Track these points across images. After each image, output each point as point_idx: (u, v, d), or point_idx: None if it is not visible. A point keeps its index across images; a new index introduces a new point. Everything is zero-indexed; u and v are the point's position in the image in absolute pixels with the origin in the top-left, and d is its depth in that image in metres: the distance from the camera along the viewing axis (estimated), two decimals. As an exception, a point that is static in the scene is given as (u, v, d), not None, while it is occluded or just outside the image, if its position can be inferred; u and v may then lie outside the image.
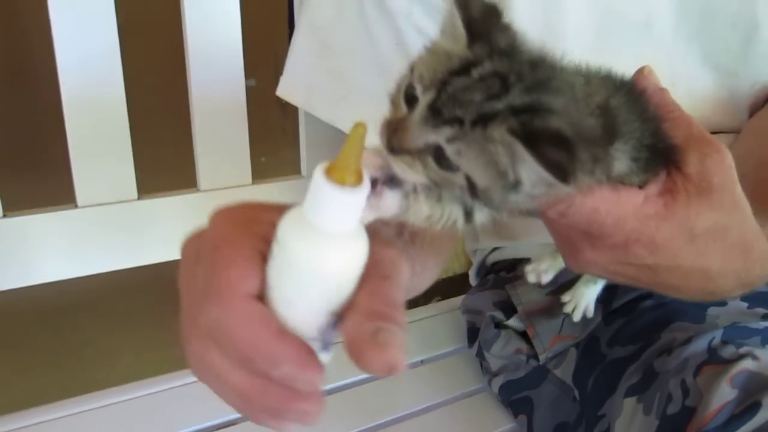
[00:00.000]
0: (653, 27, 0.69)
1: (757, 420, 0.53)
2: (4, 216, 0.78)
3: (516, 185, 0.35)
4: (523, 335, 0.77)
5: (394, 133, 0.36)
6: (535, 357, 0.75)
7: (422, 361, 0.90)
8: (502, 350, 0.78)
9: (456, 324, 0.93)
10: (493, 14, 0.36)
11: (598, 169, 0.37)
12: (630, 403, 0.63)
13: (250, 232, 0.34)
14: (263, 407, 0.34)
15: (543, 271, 0.61)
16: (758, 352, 0.58)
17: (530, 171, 0.34)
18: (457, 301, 0.95)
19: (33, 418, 0.75)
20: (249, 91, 0.87)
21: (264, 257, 0.33)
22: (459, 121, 0.34)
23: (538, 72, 0.35)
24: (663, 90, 0.46)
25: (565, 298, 0.68)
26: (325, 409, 0.34)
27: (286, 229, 0.33)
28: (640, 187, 0.43)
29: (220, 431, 0.76)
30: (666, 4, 0.68)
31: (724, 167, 0.43)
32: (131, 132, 0.81)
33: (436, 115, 0.34)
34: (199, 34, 0.82)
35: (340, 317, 0.34)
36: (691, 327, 0.64)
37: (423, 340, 0.92)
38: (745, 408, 0.54)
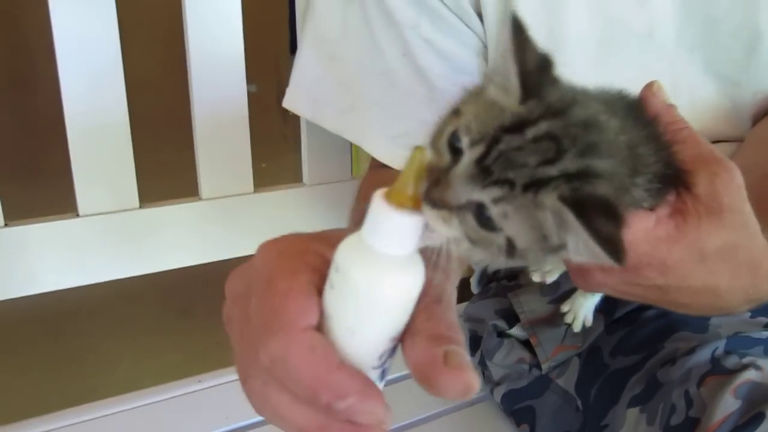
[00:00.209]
0: (656, 36, 0.69)
1: (761, 431, 0.53)
2: (6, 225, 0.78)
3: (558, 249, 0.34)
4: (526, 344, 0.76)
5: (435, 184, 0.33)
6: (538, 366, 0.75)
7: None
8: (505, 359, 0.77)
9: (458, 332, 0.92)
10: (547, 66, 0.35)
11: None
12: (633, 413, 0.63)
13: (302, 263, 0.34)
14: None
15: (547, 271, 0.61)
16: (761, 362, 0.58)
17: (578, 239, 0.33)
18: (459, 309, 0.94)
19: (33, 427, 0.75)
20: (249, 97, 0.87)
21: (317, 288, 0.33)
22: (509, 183, 0.32)
23: (590, 134, 0.34)
24: (671, 107, 0.45)
25: (565, 308, 0.68)
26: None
27: (346, 256, 0.32)
28: (650, 208, 0.42)
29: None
30: (669, 13, 0.68)
31: (733, 187, 0.43)
32: (132, 140, 0.81)
33: (484, 173, 0.33)
34: (200, 40, 0.82)
35: (397, 344, 0.33)
36: (694, 337, 0.64)
37: (425, 349, 0.92)
38: (749, 419, 0.54)
